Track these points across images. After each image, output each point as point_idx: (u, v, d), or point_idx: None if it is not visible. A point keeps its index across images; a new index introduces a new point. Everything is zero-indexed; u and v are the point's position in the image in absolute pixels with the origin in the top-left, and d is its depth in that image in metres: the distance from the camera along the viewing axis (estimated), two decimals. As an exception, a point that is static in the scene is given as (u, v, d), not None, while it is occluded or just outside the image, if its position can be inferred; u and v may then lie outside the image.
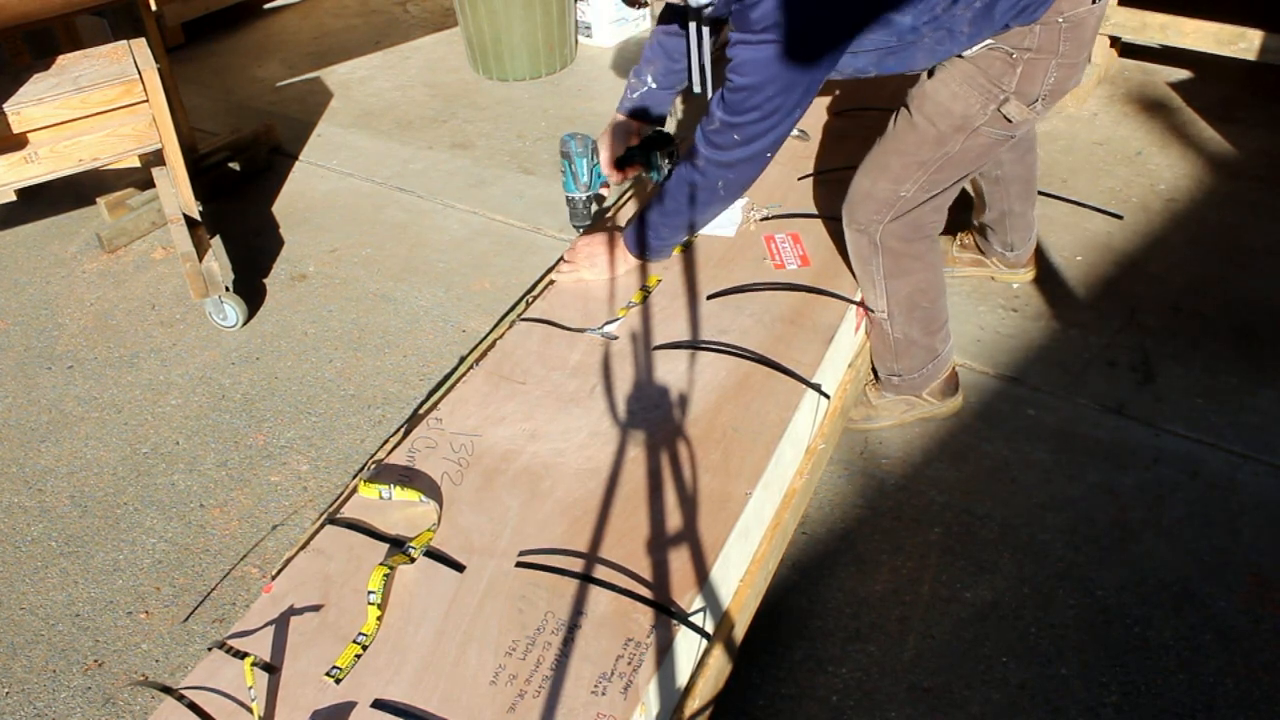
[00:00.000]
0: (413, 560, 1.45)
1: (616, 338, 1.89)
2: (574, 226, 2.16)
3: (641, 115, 2.12)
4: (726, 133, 1.72)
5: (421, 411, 1.84)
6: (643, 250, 2.00)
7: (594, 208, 2.13)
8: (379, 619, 1.38)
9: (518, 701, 1.28)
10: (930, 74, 1.82)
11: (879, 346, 2.13)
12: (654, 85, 2.08)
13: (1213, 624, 1.80)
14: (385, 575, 1.41)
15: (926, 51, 1.74)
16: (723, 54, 1.73)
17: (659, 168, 2.07)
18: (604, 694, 1.28)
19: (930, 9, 1.66)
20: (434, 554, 1.48)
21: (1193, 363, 2.35)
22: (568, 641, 1.35)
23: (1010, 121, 1.78)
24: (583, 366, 1.83)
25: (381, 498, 1.58)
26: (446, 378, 2.45)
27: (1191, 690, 1.70)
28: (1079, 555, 1.93)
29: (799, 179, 2.35)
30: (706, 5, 1.68)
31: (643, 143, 2.09)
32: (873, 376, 2.23)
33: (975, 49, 1.74)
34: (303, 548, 1.53)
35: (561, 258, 2.09)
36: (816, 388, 1.80)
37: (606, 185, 2.12)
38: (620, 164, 2.10)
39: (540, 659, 1.32)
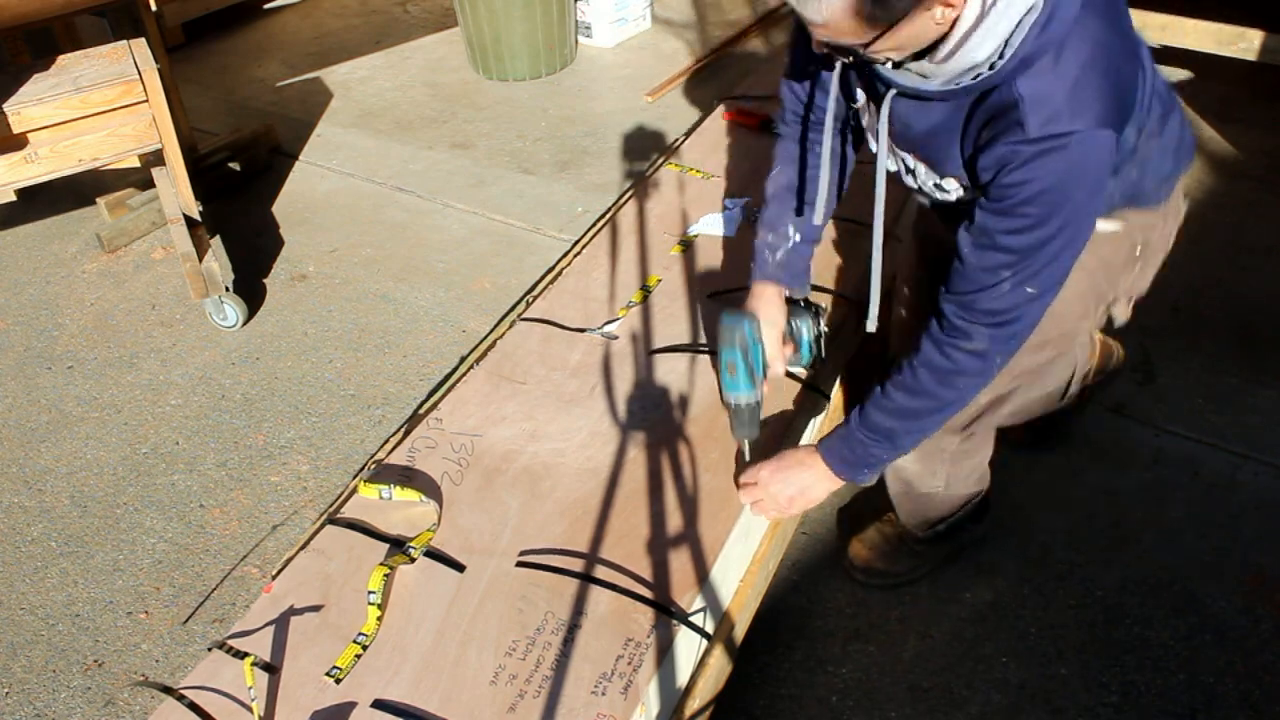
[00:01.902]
0: (413, 560, 1.45)
1: (616, 337, 1.89)
2: (739, 441, 1.58)
3: (784, 279, 1.63)
4: (1017, 289, 1.26)
5: (421, 411, 1.84)
6: (859, 469, 1.48)
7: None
8: (379, 619, 1.38)
9: (518, 701, 1.28)
10: None
11: (912, 506, 1.74)
12: (798, 238, 1.60)
13: (1213, 624, 1.80)
14: (385, 575, 1.41)
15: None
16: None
17: (810, 344, 1.65)
18: (604, 694, 1.28)
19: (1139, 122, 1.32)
20: (434, 554, 1.48)
21: (1193, 363, 2.35)
22: (568, 641, 1.35)
23: (1112, 324, 1.56)
24: (583, 366, 1.83)
25: (381, 498, 1.58)
26: (446, 378, 2.45)
27: (1191, 690, 1.70)
28: (1079, 555, 1.93)
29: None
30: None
31: (788, 316, 1.64)
32: (895, 521, 1.88)
33: (1107, 227, 1.43)
34: (303, 548, 1.53)
35: (739, 483, 1.58)
36: (816, 388, 1.80)
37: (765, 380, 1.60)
38: None
39: (540, 659, 1.32)
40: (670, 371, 1.80)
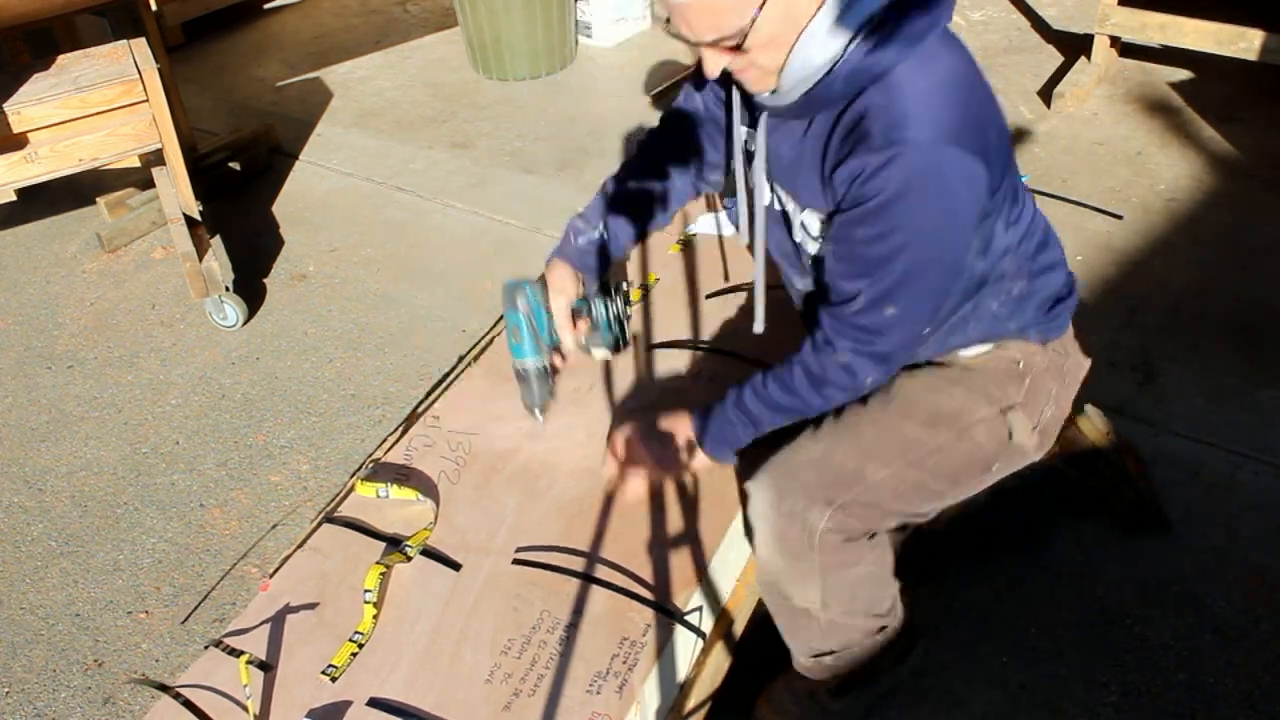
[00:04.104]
0: (409, 559, 1.45)
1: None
2: (529, 408, 1.49)
3: (582, 266, 1.54)
4: (874, 307, 1.26)
5: (419, 410, 1.84)
6: (725, 448, 1.46)
7: (551, 379, 1.49)
8: (375, 617, 1.38)
9: (513, 700, 1.27)
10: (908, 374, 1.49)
11: (794, 627, 1.54)
12: (606, 238, 1.56)
13: (1212, 624, 1.80)
14: (382, 574, 1.41)
15: (955, 325, 1.42)
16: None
17: (608, 322, 1.53)
18: (599, 693, 1.28)
19: (1003, 251, 1.38)
20: (430, 552, 1.48)
21: (1193, 363, 2.34)
22: (563, 640, 1.34)
23: (1012, 437, 1.46)
24: (581, 365, 1.83)
25: (379, 496, 1.58)
26: (444, 377, 2.45)
27: (1191, 690, 1.70)
28: (1079, 555, 1.93)
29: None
30: (780, 95, 1.25)
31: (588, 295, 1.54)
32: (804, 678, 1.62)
33: (979, 350, 1.47)
34: (300, 546, 1.53)
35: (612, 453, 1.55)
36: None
37: (558, 350, 1.50)
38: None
39: (535, 657, 1.32)
40: (668, 370, 1.80)
